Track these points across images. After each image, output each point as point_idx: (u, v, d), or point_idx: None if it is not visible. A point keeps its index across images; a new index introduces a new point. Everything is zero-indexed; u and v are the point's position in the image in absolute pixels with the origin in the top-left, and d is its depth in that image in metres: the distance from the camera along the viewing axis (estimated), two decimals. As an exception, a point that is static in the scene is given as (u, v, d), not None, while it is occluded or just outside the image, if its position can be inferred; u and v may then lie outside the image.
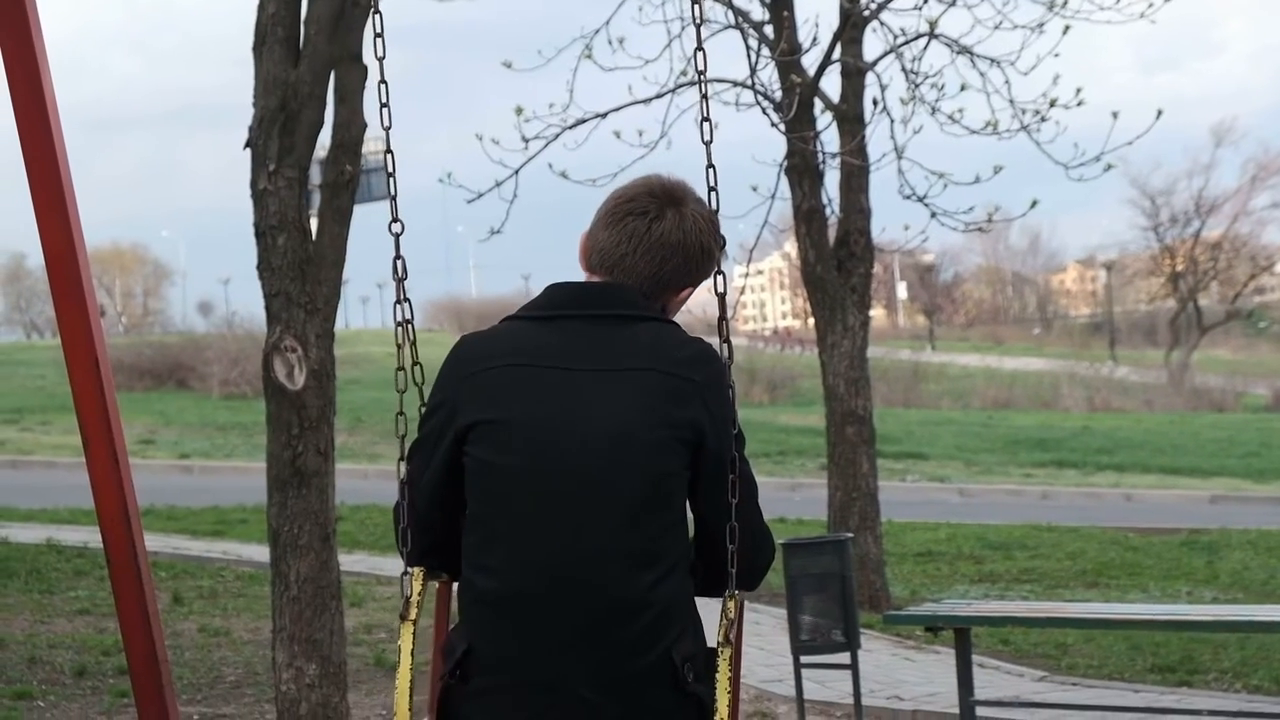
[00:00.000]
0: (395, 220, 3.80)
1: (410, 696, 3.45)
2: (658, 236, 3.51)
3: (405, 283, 3.74)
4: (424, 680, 3.80)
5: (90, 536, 14.30)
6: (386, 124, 3.89)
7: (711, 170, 3.63)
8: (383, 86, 3.92)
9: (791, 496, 22.40)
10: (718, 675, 3.36)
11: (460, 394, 3.44)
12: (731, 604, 3.40)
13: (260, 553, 11.85)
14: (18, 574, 13.59)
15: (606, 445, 3.33)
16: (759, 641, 11.15)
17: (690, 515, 3.49)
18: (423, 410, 3.56)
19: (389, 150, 3.88)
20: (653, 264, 3.52)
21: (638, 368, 3.39)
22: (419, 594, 3.50)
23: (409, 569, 3.52)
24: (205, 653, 10.72)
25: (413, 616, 3.47)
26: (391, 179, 3.89)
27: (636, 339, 3.43)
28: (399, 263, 3.74)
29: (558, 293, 3.54)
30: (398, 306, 3.72)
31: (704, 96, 3.67)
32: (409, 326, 3.74)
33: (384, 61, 3.92)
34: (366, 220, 8.31)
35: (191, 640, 11.14)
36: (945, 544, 17.68)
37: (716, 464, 3.40)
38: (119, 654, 9.14)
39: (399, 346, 3.69)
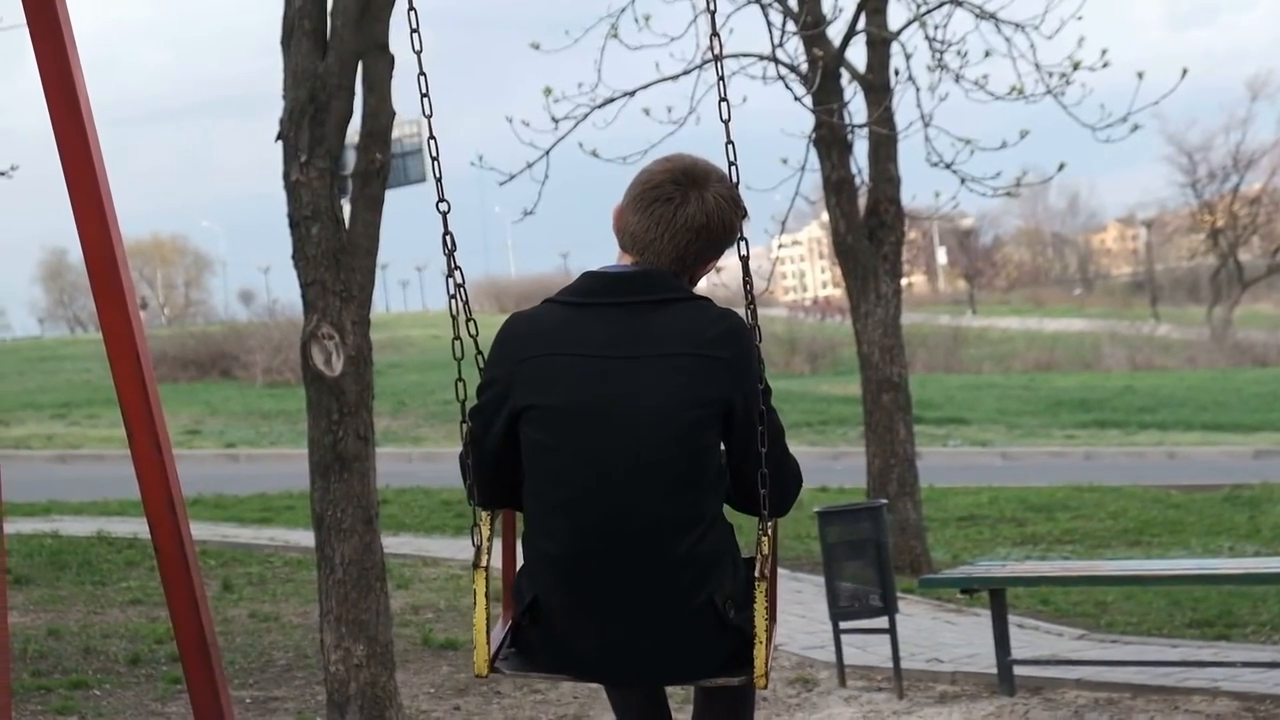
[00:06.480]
0: (442, 200, 4.17)
1: (486, 633, 3.98)
2: (683, 221, 3.95)
3: (455, 254, 4.10)
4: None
5: (140, 527, 14.39)
6: (428, 112, 4.22)
7: (731, 146, 4.03)
8: (422, 79, 4.21)
9: (834, 465, 22.42)
10: (755, 605, 3.90)
11: (512, 377, 3.92)
12: (765, 540, 3.93)
13: (308, 538, 11.98)
14: (70, 566, 13.75)
15: (646, 425, 3.81)
16: (800, 609, 11.25)
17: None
18: (480, 382, 4.03)
19: (432, 136, 4.25)
20: (679, 246, 3.97)
21: (672, 353, 3.85)
22: (488, 540, 4.01)
23: (478, 521, 4.03)
24: (255, 638, 10.87)
25: (484, 564, 3.98)
26: (436, 163, 4.24)
27: (670, 323, 3.89)
28: (449, 237, 4.13)
29: (593, 281, 3.99)
30: (449, 280, 4.10)
31: (721, 78, 4.10)
32: (462, 291, 4.12)
33: (421, 55, 4.22)
34: (401, 205, 8.44)
35: (242, 626, 11.29)
36: (987, 508, 17.71)
37: (746, 424, 3.90)
38: (171, 642, 9.26)
39: (453, 317, 4.08)
